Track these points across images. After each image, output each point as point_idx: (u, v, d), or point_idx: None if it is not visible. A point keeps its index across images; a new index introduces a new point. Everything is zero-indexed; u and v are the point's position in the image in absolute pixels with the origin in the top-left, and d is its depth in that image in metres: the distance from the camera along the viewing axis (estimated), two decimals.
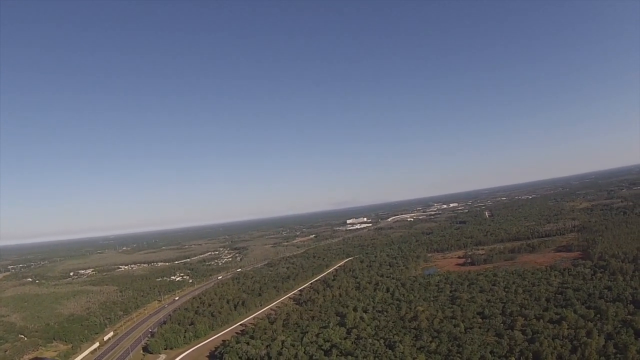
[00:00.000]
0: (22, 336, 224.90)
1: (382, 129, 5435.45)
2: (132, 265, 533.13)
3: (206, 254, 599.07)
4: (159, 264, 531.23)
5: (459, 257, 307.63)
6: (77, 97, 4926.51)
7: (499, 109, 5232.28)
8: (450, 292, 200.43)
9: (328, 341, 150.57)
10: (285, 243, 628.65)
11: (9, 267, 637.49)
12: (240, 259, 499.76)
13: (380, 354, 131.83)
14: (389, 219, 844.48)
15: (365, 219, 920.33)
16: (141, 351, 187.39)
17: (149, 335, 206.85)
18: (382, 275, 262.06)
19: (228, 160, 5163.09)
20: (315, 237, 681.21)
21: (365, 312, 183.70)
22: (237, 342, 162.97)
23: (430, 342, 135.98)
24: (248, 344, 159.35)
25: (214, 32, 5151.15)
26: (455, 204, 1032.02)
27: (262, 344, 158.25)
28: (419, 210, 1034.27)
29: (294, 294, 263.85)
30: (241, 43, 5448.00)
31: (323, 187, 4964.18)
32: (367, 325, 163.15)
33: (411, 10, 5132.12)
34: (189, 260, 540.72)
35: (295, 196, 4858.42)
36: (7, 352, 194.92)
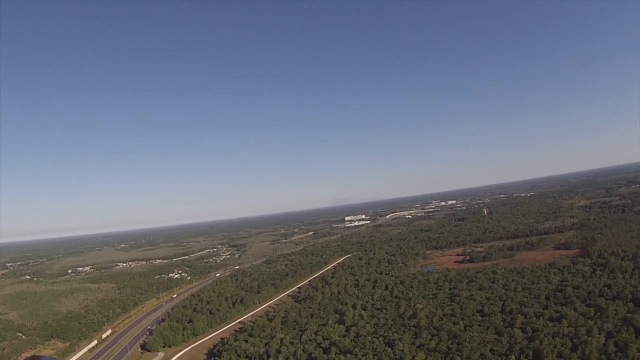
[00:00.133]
0: (20, 334, 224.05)
1: (379, 127, 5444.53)
2: (130, 263, 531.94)
3: (204, 251, 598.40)
4: (157, 261, 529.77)
5: (457, 255, 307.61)
6: (75, 95, 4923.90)
7: (497, 107, 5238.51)
8: (450, 289, 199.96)
9: (327, 339, 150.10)
10: (284, 240, 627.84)
11: (7, 264, 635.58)
12: (239, 256, 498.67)
13: (379, 351, 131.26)
14: (387, 216, 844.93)
15: (363, 216, 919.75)
16: (139, 349, 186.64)
17: (147, 333, 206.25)
18: (380, 273, 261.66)
19: (226, 158, 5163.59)
20: (313, 234, 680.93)
21: (364, 309, 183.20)
22: (236, 340, 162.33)
23: (430, 340, 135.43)
24: (247, 341, 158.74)
25: (213, 30, 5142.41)
26: (454, 202, 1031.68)
27: (261, 341, 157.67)
28: (417, 207, 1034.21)
29: (292, 291, 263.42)
30: (239, 41, 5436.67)
31: (321, 184, 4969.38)
32: (366, 322, 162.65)
33: (409, 7, 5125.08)
34: (187, 257, 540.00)
35: (293, 193, 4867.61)
36: (4, 351, 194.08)
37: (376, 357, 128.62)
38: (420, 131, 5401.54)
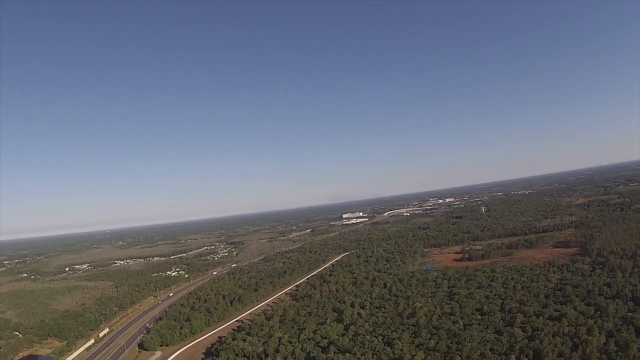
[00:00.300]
0: (17, 333, 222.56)
1: (377, 125, 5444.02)
2: (128, 260, 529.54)
3: (202, 249, 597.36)
4: (155, 258, 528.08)
5: (456, 253, 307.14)
6: (71, 92, 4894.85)
7: (495, 105, 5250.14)
8: (448, 287, 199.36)
9: (326, 338, 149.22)
10: (281, 237, 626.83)
11: (5, 262, 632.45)
12: (236, 254, 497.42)
13: (378, 351, 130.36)
14: (385, 214, 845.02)
15: (361, 214, 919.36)
16: (137, 348, 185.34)
17: (145, 332, 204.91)
18: (379, 271, 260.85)
19: (224, 155, 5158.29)
20: (311, 231, 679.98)
21: (362, 308, 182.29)
22: (234, 339, 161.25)
23: (429, 339, 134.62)
24: (245, 340, 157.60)
25: (211, 28, 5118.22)
26: (451, 199, 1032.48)
27: (259, 340, 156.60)
28: (415, 205, 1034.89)
29: (290, 289, 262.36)
30: (236, 39, 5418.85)
31: (319, 181, 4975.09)
32: (365, 321, 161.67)
33: (408, 6, 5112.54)
34: (184, 255, 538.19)
35: (291, 191, 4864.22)
36: (1, 350, 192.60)
37: (375, 356, 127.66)
38: (418, 129, 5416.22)
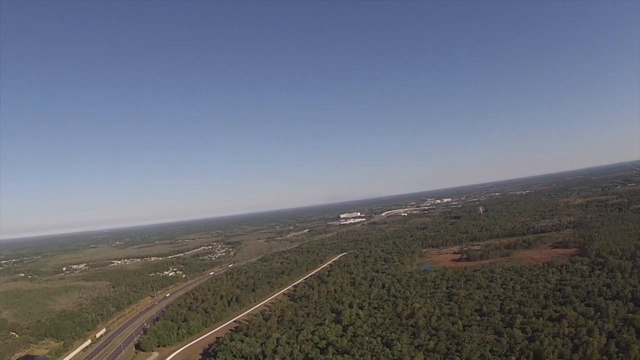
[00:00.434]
0: (13, 333, 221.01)
1: (374, 125, 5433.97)
2: (125, 260, 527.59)
3: (199, 249, 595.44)
4: (152, 258, 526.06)
5: (454, 253, 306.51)
6: (69, 92, 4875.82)
7: (493, 105, 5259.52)
8: (447, 288, 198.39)
9: (324, 339, 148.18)
10: (279, 238, 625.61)
11: (2, 262, 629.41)
12: (234, 254, 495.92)
13: (377, 352, 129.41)
14: (383, 214, 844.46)
15: (358, 214, 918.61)
16: (134, 348, 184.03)
17: (142, 332, 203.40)
18: (377, 271, 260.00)
19: (222, 155, 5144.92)
20: (308, 231, 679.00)
21: (361, 308, 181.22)
22: (231, 340, 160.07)
23: (429, 340, 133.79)
24: (242, 341, 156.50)
25: (210, 28, 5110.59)
26: (449, 199, 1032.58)
27: (257, 341, 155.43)
28: (413, 205, 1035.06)
29: (288, 289, 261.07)
30: (235, 38, 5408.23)
31: (316, 181, 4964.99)
32: (364, 322, 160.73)
33: (407, 6, 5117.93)
34: (182, 254, 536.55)
35: (289, 191, 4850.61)
36: None
37: (374, 357, 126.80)
38: (416, 129, 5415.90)
